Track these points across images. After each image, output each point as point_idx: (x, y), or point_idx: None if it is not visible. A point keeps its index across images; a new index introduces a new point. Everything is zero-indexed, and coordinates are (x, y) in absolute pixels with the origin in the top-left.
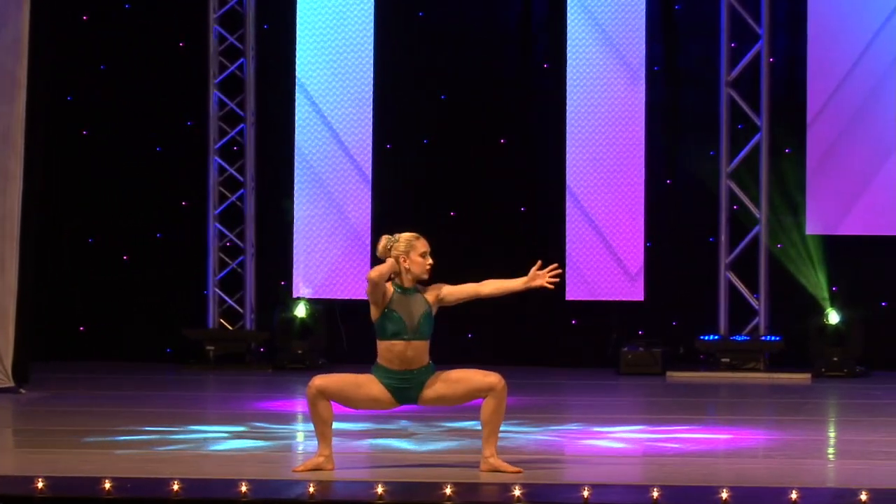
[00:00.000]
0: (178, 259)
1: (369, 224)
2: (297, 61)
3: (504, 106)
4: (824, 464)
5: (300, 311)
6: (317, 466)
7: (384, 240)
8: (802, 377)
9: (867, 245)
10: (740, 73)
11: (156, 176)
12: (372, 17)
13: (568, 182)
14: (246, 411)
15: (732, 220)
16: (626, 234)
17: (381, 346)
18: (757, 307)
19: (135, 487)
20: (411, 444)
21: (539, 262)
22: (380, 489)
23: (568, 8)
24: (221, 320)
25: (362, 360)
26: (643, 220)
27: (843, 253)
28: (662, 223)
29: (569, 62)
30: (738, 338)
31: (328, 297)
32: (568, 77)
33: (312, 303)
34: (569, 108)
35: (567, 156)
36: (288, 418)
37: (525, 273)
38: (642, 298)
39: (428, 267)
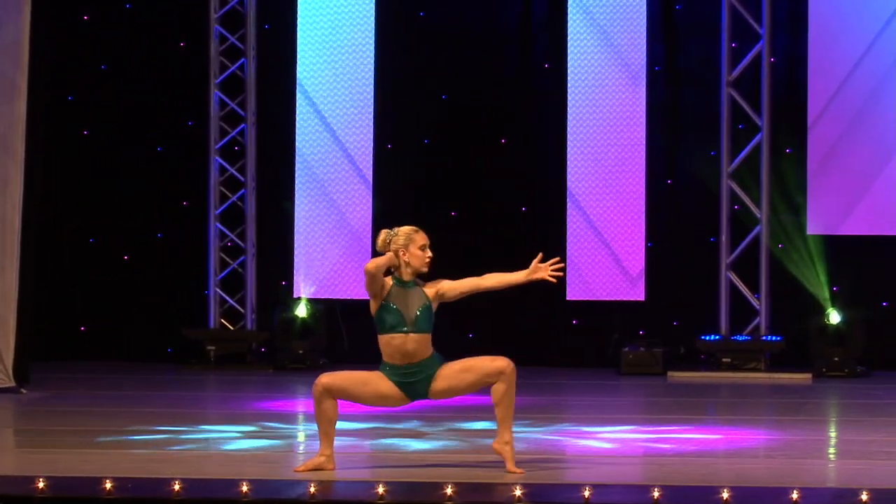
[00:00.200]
0: (178, 259)
1: (370, 224)
2: (298, 61)
3: (504, 106)
4: (825, 464)
5: (301, 310)
6: (318, 466)
7: (383, 234)
8: (803, 377)
9: (868, 245)
10: (741, 73)
11: (156, 176)
12: (373, 18)
13: (568, 182)
14: (247, 411)
15: (733, 220)
16: (627, 235)
17: (381, 340)
18: (758, 307)
19: (136, 487)
20: (412, 444)
21: (540, 255)
22: (381, 489)
23: (568, 8)
24: (222, 320)
25: (363, 360)
26: (644, 220)
27: (844, 253)
28: (663, 223)
29: (569, 62)
30: (739, 338)
31: (329, 296)
32: (568, 77)
33: (313, 303)
34: (569, 109)
35: (567, 156)
36: (289, 418)
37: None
38: (643, 298)
39: (427, 260)
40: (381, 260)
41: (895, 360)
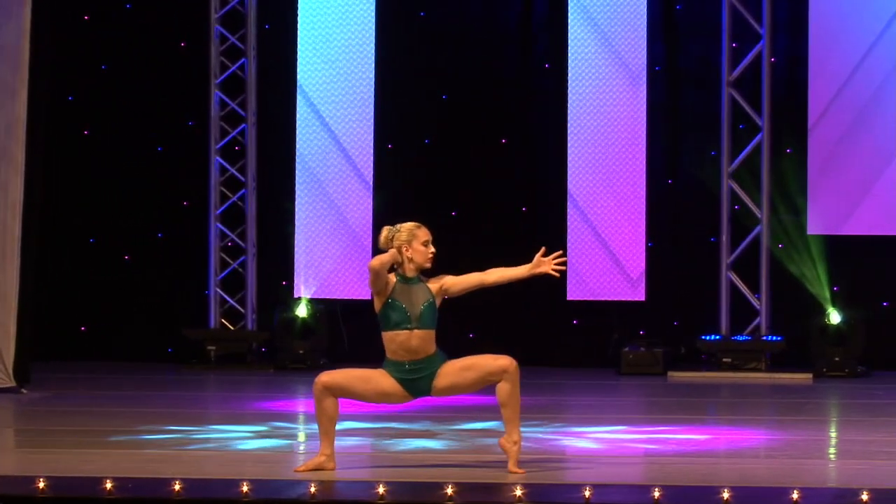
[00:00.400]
0: (179, 259)
1: (370, 224)
2: (299, 61)
3: (505, 106)
4: (826, 464)
5: (301, 310)
6: (318, 466)
7: (386, 230)
8: (804, 377)
9: (869, 245)
10: (741, 74)
11: (157, 176)
12: (373, 17)
13: (569, 182)
14: (247, 411)
15: (733, 220)
16: (627, 235)
17: (385, 337)
18: (758, 307)
19: (136, 487)
20: (413, 444)
21: (543, 249)
22: (381, 489)
23: (568, 8)
24: (223, 320)
25: (363, 360)
26: (644, 220)
27: (845, 253)
28: (663, 223)
29: (569, 62)
30: (740, 338)
31: (329, 296)
32: (568, 77)
33: (313, 303)
34: (569, 109)
35: (568, 156)
36: (289, 418)
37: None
38: (643, 298)
39: (430, 256)
40: (385, 257)
41: (895, 360)
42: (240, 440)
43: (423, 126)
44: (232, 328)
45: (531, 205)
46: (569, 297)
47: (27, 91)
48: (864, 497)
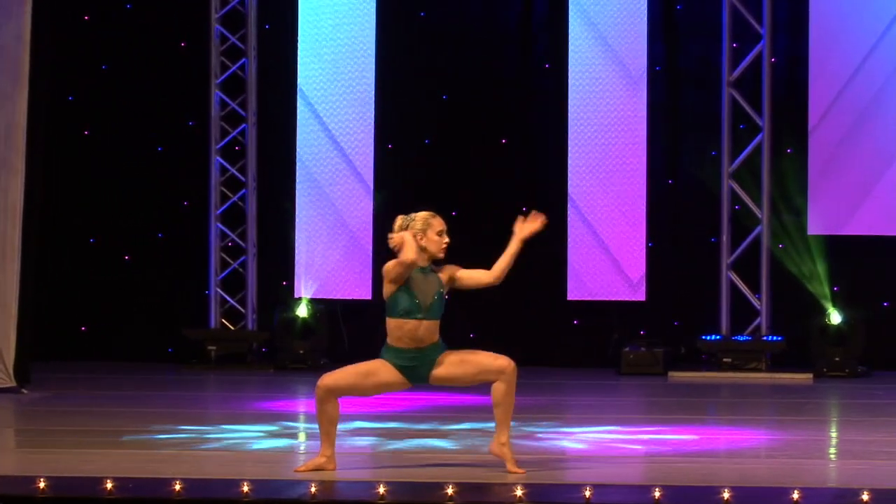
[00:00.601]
0: (179, 259)
1: (370, 223)
2: (299, 61)
3: (505, 106)
4: (826, 464)
5: (302, 310)
6: (319, 467)
7: (400, 219)
8: (804, 377)
9: (869, 245)
10: (742, 74)
11: (157, 176)
12: (373, 18)
13: (569, 182)
14: (247, 411)
15: (734, 220)
16: (627, 235)
17: (391, 323)
18: (758, 307)
19: (136, 487)
20: (413, 444)
21: (520, 217)
22: (381, 489)
23: (568, 8)
24: (223, 320)
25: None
26: (644, 220)
27: (845, 253)
28: (664, 223)
29: (569, 62)
30: (740, 338)
31: (329, 296)
32: (569, 77)
33: (314, 303)
34: (569, 109)
35: (568, 156)
36: (290, 418)
37: (526, 275)
38: (644, 298)
39: (444, 245)
40: (414, 246)
41: (895, 360)
42: (240, 440)
43: (423, 126)
44: (232, 328)
45: (531, 205)
46: (569, 297)
47: (27, 91)
48: (865, 497)
